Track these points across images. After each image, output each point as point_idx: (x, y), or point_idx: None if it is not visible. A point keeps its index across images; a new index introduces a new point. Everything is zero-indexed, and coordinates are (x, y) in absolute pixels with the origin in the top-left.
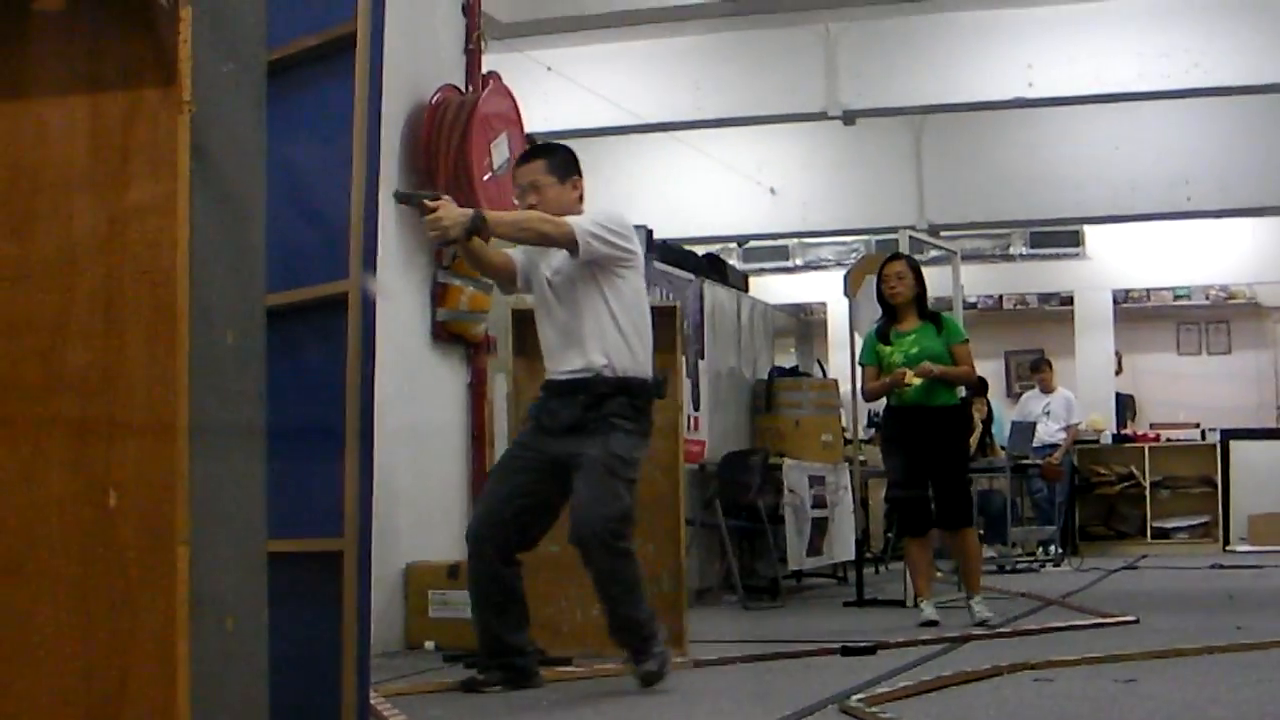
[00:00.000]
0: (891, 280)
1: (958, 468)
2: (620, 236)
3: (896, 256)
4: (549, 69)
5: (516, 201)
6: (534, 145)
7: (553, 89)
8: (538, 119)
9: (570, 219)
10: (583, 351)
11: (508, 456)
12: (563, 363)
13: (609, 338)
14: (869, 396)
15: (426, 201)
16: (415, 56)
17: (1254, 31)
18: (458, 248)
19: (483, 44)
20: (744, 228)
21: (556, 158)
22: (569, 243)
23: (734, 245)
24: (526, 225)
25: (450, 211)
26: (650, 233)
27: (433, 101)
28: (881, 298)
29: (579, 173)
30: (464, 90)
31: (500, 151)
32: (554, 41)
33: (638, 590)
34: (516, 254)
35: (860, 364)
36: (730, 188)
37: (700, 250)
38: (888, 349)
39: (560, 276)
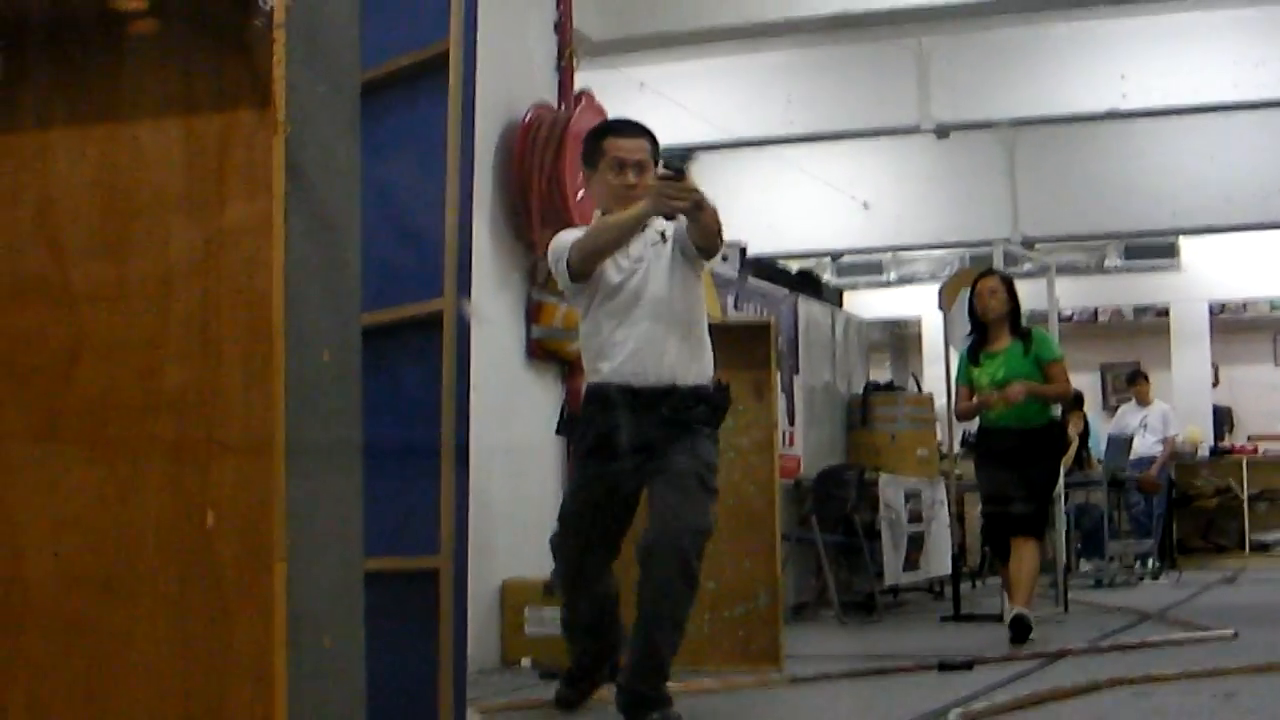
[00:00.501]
0: (985, 296)
1: (1045, 485)
2: None
3: (990, 272)
4: (641, 85)
5: (611, 177)
6: (627, 120)
7: (645, 105)
8: None
9: None
10: (662, 357)
11: (585, 496)
12: (636, 366)
13: (691, 341)
14: (960, 416)
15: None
16: (508, 75)
17: None
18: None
19: (575, 61)
20: (837, 242)
21: (656, 143)
22: (717, 245)
23: (828, 260)
24: (718, 220)
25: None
26: (744, 249)
27: (526, 120)
28: (973, 313)
29: None
30: (557, 108)
31: None
32: (646, 58)
33: (681, 627)
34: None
35: (956, 384)
36: (823, 202)
37: (794, 266)
38: (977, 370)
39: (642, 268)
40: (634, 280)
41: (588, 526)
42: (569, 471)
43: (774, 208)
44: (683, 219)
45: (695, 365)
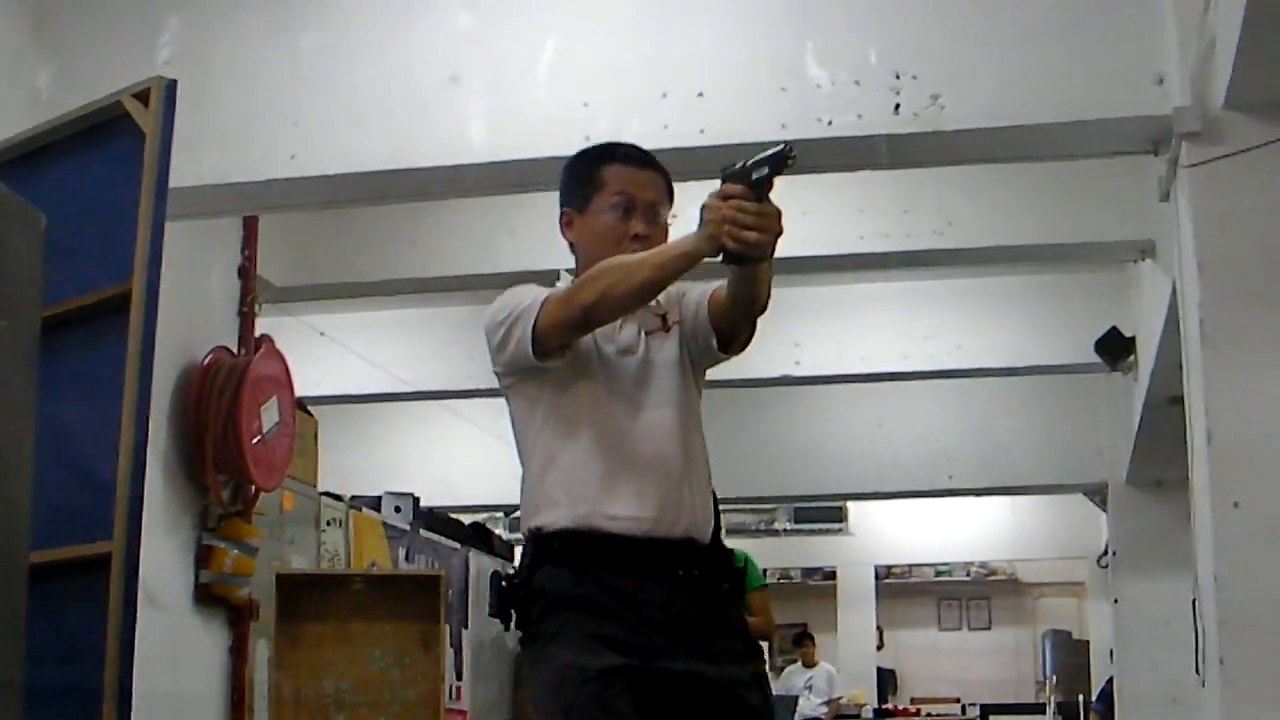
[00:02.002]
0: None
1: None
2: None
3: None
4: (321, 334)
5: (610, 219)
6: (637, 147)
7: (325, 354)
8: (309, 383)
9: None
10: (679, 502)
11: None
12: (641, 508)
13: (703, 484)
14: None
15: (774, 176)
16: (189, 317)
17: (1013, 316)
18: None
19: (257, 307)
20: (510, 497)
21: (670, 182)
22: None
23: (500, 514)
24: (769, 283)
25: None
26: (417, 500)
27: (204, 363)
28: None
29: None
30: (236, 352)
31: (270, 415)
32: (328, 307)
33: None
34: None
35: None
36: (498, 457)
37: (466, 519)
38: None
39: (633, 363)
40: (624, 379)
41: None
42: (535, 682)
43: (449, 461)
44: (711, 281)
45: (709, 517)
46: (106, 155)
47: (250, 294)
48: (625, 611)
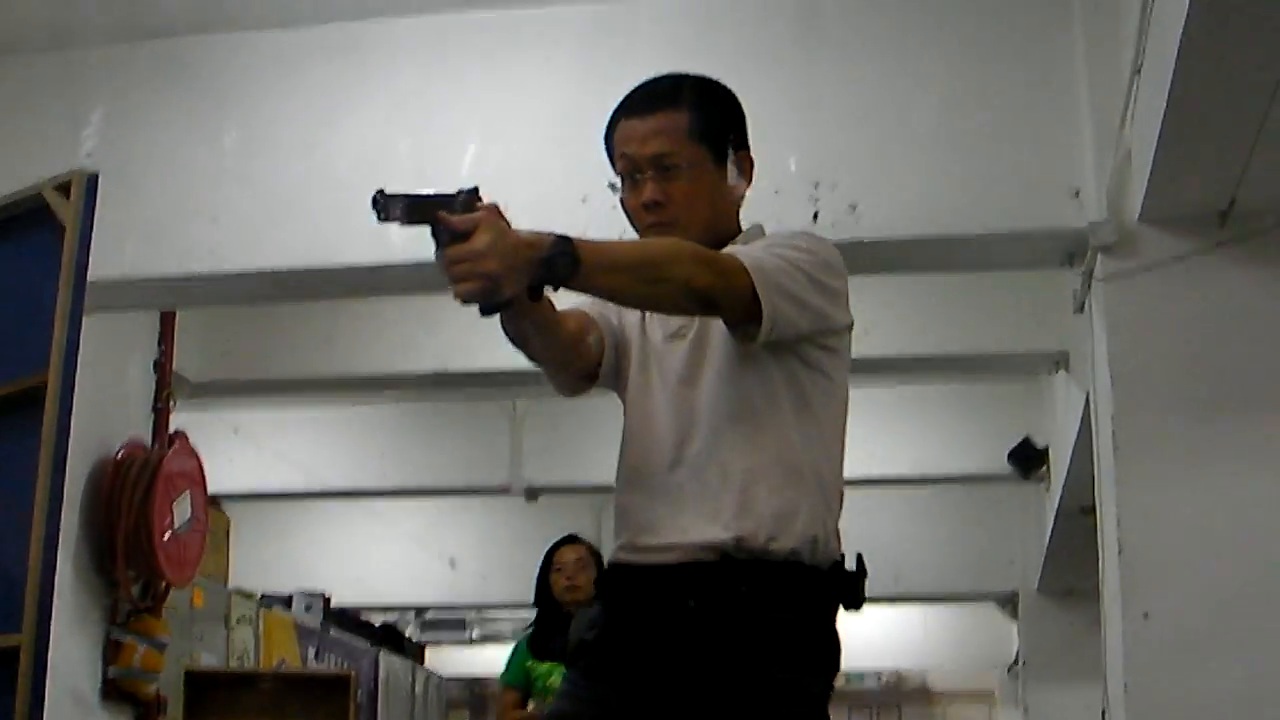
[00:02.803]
0: (569, 570)
1: None
2: (829, 294)
3: (574, 540)
4: (235, 431)
5: (625, 192)
6: (648, 84)
7: (238, 450)
8: (223, 479)
9: (740, 253)
10: (714, 507)
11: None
12: (662, 530)
13: (775, 479)
14: None
15: (447, 215)
16: (103, 410)
17: (927, 426)
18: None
19: (172, 402)
20: (422, 598)
21: (709, 104)
22: (743, 306)
23: (411, 615)
24: (660, 265)
25: (498, 243)
26: (327, 599)
27: (117, 457)
28: (546, 594)
29: (748, 143)
30: (150, 447)
31: (182, 511)
32: (243, 403)
33: None
34: (588, 308)
35: (501, 683)
36: (410, 558)
37: (378, 619)
38: (544, 667)
39: (687, 344)
40: (670, 369)
41: None
42: None
43: (361, 560)
44: (761, 242)
45: (785, 520)
46: (25, 246)
47: (165, 389)
48: (616, 663)
